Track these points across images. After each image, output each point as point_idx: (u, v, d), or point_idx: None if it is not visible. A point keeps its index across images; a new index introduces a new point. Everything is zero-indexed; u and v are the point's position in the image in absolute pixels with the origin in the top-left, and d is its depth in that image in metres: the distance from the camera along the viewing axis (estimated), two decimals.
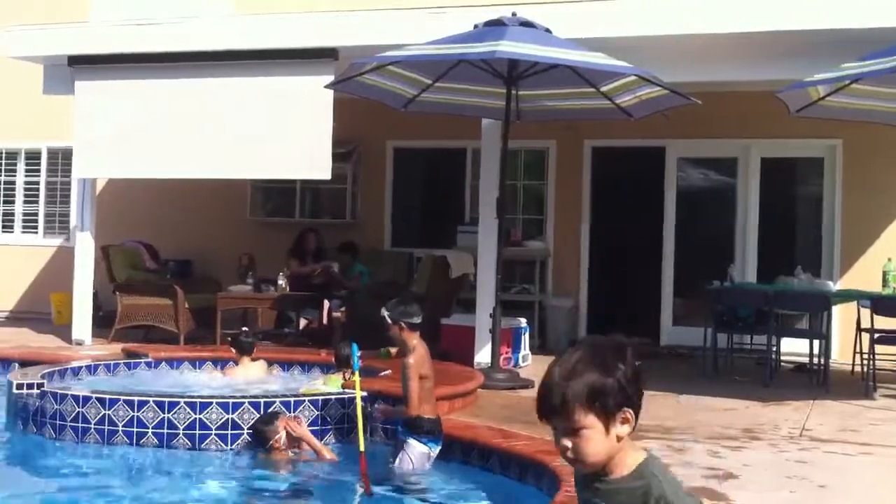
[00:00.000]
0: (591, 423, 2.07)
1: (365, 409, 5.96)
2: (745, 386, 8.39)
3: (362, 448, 5.66)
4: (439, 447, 5.74)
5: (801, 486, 5.02)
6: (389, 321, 5.64)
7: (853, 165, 10.54)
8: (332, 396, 6.55)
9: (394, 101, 8.94)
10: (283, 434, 6.04)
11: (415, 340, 5.63)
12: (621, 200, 11.43)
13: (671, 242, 11.17)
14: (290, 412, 6.33)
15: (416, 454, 5.64)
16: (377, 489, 5.49)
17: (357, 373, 5.95)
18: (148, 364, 8.29)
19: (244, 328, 10.32)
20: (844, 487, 5.06)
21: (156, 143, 9.67)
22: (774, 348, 9.03)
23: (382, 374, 7.09)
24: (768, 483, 5.09)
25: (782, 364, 9.46)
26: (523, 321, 9.69)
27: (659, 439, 6.02)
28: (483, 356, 8.82)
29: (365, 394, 6.09)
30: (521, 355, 9.48)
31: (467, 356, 8.93)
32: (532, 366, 9.47)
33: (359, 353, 5.90)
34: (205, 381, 7.63)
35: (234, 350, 8.01)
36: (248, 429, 6.20)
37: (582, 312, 11.32)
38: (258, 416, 6.23)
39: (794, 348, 9.53)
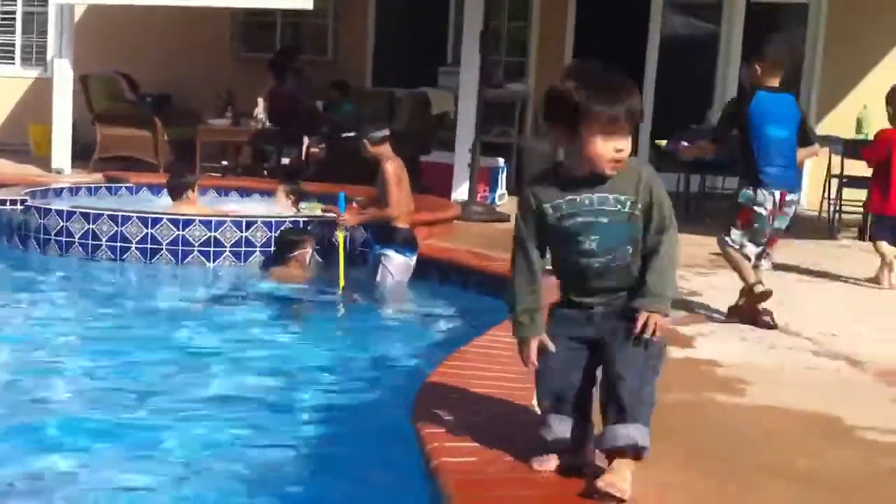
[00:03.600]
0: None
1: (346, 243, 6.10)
2: (715, 227, 8.55)
3: (342, 284, 5.85)
4: (415, 256, 5.93)
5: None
6: (361, 143, 5.84)
7: (837, 12, 10.49)
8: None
9: None
10: (309, 251, 6.22)
11: (388, 152, 5.80)
12: (604, 44, 11.34)
13: (651, 87, 11.17)
14: (271, 232, 6.50)
15: (396, 265, 5.83)
16: (361, 302, 5.73)
17: (340, 228, 6.06)
18: (129, 189, 8.37)
19: (224, 162, 10.44)
20: (799, 305, 5.32)
21: None
22: None
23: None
24: (731, 300, 5.33)
25: None
26: (501, 161, 9.78)
27: None
28: (461, 193, 8.94)
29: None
30: (498, 194, 9.61)
31: (446, 193, 9.04)
32: (508, 204, 9.61)
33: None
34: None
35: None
36: (276, 240, 6.36)
37: (560, 156, 11.39)
38: (283, 229, 6.42)
39: None
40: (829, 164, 9.10)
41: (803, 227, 8.75)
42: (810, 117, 10.57)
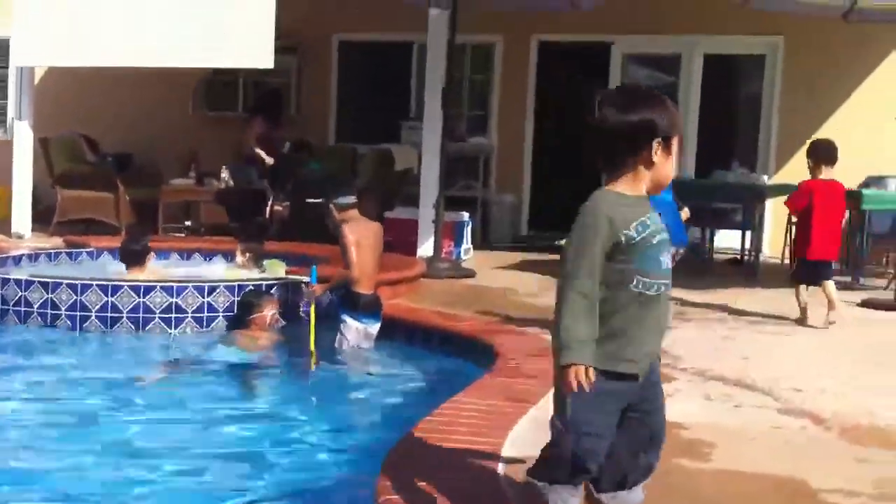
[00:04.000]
0: None
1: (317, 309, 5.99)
2: (680, 276, 8.59)
3: (312, 349, 5.76)
4: (378, 324, 5.86)
5: (726, 357, 5.29)
6: (327, 209, 5.83)
7: (793, 63, 10.70)
8: (279, 281, 6.64)
9: None
10: (268, 314, 6.12)
11: (350, 218, 5.77)
12: (566, 97, 11.48)
13: None
14: (234, 296, 6.43)
15: (352, 332, 5.77)
16: (323, 368, 5.65)
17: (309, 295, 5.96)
18: (90, 254, 8.27)
19: (187, 222, 10.36)
20: (764, 358, 5.32)
21: (96, 30, 9.41)
22: (709, 241, 9.32)
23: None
24: (697, 354, 5.34)
25: (717, 256, 9.74)
26: (466, 215, 9.79)
27: None
28: (426, 249, 8.92)
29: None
30: (462, 249, 9.60)
31: (411, 249, 9.02)
32: (474, 259, 9.62)
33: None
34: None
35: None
36: (238, 303, 6.27)
37: (524, 209, 11.47)
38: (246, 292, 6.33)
39: (729, 243, 9.79)
40: (790, 214, 9.21)
41: (767, 275, 8.87)
42: (770, 167, 10.83)
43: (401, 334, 6.21)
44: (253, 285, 6.52)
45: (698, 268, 8.93)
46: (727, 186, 9.17)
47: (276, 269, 7.20)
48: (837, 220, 6.72)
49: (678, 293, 7.74)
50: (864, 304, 7.30)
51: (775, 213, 10.03)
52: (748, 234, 9.46)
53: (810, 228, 6.59)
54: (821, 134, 10.48)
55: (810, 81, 10.59)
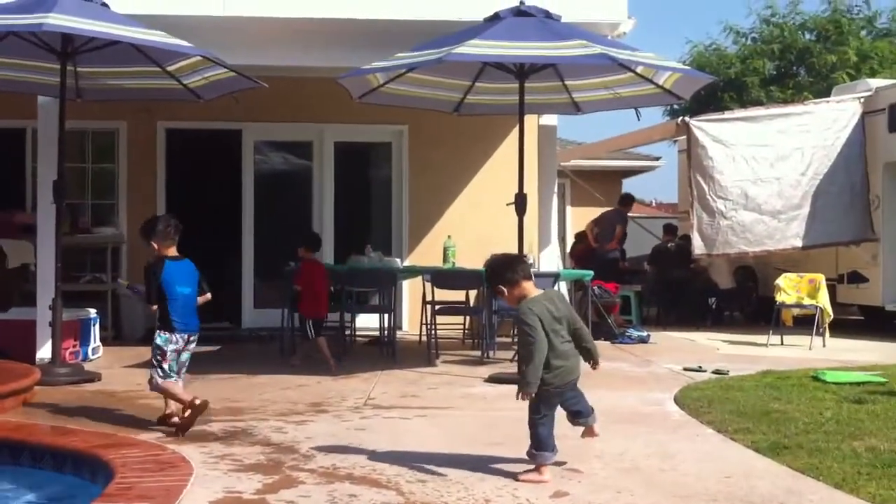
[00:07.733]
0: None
1: None
2: (320, 362, 8.59)
3: None
4: None
5: (357, 450, 5.22)
6: None
7: (418, 150, 11.26)
8: None
9: None
10: None
11: None
12: (199, 183, 11.21)
13: (250, 225, 11.18)
14: None
15: None
16: None
17: None
18: None
19: None
20: (392, 448, 5.29)
21: None
22: (349, 324, 9.40)
23: None
24: (328, 450, 5.23)
25: (358, 338, 9.85)
26: (93, 312, 9.16)
27: (226, 421, 5.95)
28: (46, 352, 8.21)
29: None
30: (90, 348, 8.97)
31: (30, 353, 8.27)
32: (104, 358, 9.00)
33: None
34: None
35: None
36: None
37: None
38: None
39: (371, 323, 9.94)
40: (424, 293, 9.55)
41: (405, 353, 9.10)
42: (403, 249, 11.21)
43: (6, 455, 5.55)
44: None
45: (339, 351, 8.96)
46: (361, 272, 9.35)
47: None
48: (325, 289, 8.73)
49: (315, 379, 7.69)
50: (491, 379, 7.65)
51: (413, 293, 10.37)
52: (386, 315, 9.66)
53: (316, 293, 8.50)
54: (447, 218, 11.14)
55: (435, 166, 11.18)
